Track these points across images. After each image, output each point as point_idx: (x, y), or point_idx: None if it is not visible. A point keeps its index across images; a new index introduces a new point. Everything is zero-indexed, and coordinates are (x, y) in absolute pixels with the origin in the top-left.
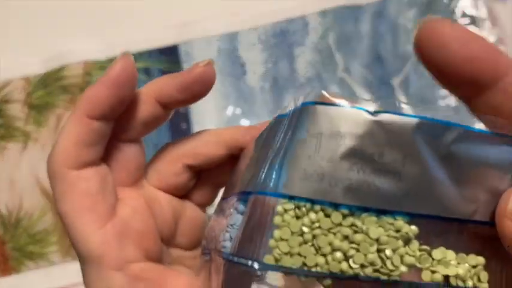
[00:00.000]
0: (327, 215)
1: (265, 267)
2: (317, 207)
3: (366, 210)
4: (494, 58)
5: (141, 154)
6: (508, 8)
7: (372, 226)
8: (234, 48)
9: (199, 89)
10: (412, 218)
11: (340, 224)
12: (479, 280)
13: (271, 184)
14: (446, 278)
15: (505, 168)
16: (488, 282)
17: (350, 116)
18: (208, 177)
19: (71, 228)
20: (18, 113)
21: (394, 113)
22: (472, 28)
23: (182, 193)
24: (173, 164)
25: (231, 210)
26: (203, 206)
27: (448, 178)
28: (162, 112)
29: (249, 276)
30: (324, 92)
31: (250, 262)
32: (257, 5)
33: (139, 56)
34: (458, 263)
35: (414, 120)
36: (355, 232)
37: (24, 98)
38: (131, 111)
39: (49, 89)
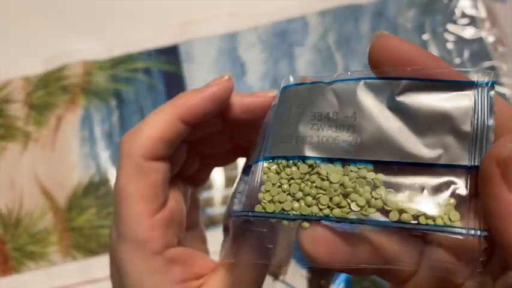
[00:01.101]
0: (298, 168)
1: (256, 214)
2: (290, 162)
3: (331, 161)
4: (438, 72)
5: (185, 151)
6: (507, 9)
7: (334, 173)
8: (234, 48)
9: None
10: (374, 165)
11: (308, 173)
12: (450, 219)
13: (262, 153)
14: (416, 218)
15: (464, 112)
16: (460, 221)
17: (311, 89)
18: (209, 159)
19: (126, 209)
20: (18, 113)
21: (345, 80)
22: (472, 28)
23: (179, 165)
24: (167, 117)
25: (239, 182)
26: (199, 185)
27: (405, 127)
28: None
29: (248, 224)
30: (292, 77)
31: (246, 213)
32: (257, 5)
33: (139, 56)
34: (428, 205)
35: (359, 82)
36: (322, 180)
37: (24, 98)
38: None
39: (49, 89)
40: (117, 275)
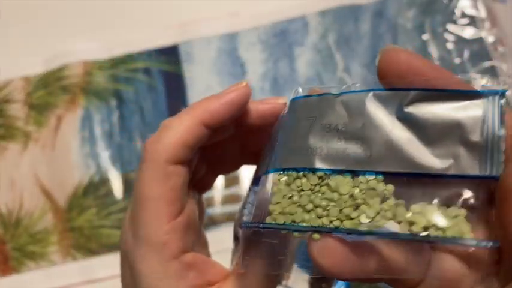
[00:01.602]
0: (308, 179)
1: (267, 225)
2: (301, 174)
3: (340, 172)
4: (446, 83)
5: (197, 157)
6: (507, 9)
7: (344, 185)
8: (234, 48)
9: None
10: (384, 176)
11: (317, 185)
12: (460, 231)
13: (271, 164)
14: (426, 229)
15: (474, 122)
16: (471, 232)
17: (319, 101)
18: (216, 165)
19: (147, 212)
20: (18, 113)
21: (353, 91)
22: (472, 28)
23: (191, 170)
24: (191, 121)
25: (249, 192)
26: (204, 192)
27: (414, 138)
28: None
29: (258, 235)
30: (301, 88)
31: (257, 224)
32: (257, 5)
33: (139, 56)
34: (439, 216)
35: (367, 94)
36: (332, 191)
37: (24, 98)
38: None
39: (49, 89)
40: (131, 278)
